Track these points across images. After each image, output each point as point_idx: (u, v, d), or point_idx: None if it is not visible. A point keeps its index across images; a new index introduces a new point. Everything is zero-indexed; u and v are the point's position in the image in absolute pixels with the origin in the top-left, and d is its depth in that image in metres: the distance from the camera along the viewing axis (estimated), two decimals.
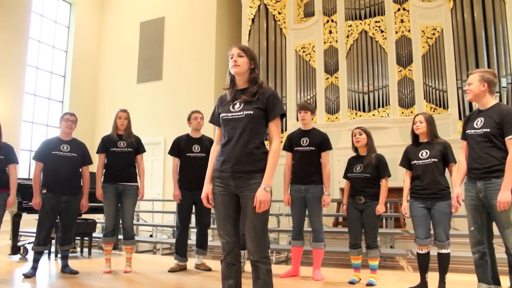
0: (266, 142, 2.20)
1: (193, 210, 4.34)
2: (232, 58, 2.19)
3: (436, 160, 3.24)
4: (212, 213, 4.60)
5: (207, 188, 2.22)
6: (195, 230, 4.43)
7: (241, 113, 2.14)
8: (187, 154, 4.31)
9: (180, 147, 4.36)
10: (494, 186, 2.68)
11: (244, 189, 2.09)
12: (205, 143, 4.35)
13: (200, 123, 4.39)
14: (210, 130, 7.39)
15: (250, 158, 2.10)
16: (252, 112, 2.12)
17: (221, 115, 2.21)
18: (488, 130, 2.74)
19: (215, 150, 2.28)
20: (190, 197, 4.24)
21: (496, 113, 2.75)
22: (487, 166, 2.72)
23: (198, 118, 4.38)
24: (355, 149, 3.80)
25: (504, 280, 2.85)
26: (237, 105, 2.17)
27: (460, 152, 3.00)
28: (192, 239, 4.78)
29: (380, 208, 3.55)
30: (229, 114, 2.17)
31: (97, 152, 4.19)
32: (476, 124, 2.83)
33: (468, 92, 2.85)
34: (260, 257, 2.07)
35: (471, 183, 2.85)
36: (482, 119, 2.80)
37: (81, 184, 4.14)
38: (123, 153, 4.15)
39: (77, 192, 4.04)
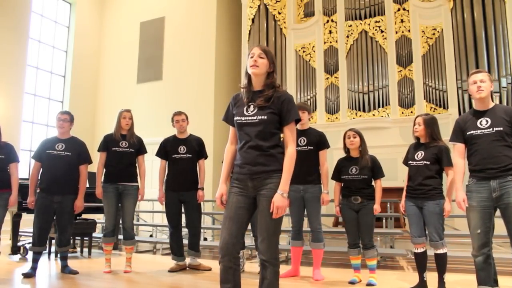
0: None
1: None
2: (252, 57, 2.16)
3: (428, 163, 3.26)
4: (204, 213, 4.60)
5: (222, 188, 2.22)
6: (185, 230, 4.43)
7: (255, 117, 2.13)
8: (173, 156, 4.30)
9: (166, 149, 4.36)
10: (510, 184, 2.64)
11: (261, 188, 2.10)
12: (192, 143, 4.34)
13: (182, 126, 4.36)
14: (199, 129, 7.39)
15: (267, 159, 2.10)
16: (266, 117, 2.11)
17: (235, 118, 2.20)
18: (501, 128, 2.71)
19: (229, 150, 2.28)
20: (176, 198, 4.26)
21: (503, 112, 2.75)
22: (503, 165, 2.67)
23: (180, 121, 4.35)
24: (347, 150, 3.80)
25: (502, 280, 2.85)
26: (251, 108, 2.15)
27: (454, 155, 2.92)
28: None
29: (377, 208, 3.60)
30: (243, 118, 2.16)
31: (98, 150, 4.18)
32: (481, 124, 2.79)
33: (482, 89, 2.78)
34: (270, 257, 2.07)
35: (482, 183, 2.74)
36: (488, 119, 2.77)
37: (77, 184, 4.07)
38: (124, 153, 4.14)
39: (70, 192, 3.96)
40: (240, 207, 2.13)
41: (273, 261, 2.08)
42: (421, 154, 3.32)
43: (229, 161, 2.26)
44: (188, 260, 4.41)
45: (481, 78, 2.80)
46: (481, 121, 2.80)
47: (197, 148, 4.34)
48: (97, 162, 4.16)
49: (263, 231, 2.08)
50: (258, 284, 2.11)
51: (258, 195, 2.11)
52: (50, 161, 3.90)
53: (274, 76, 2.20)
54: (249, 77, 2.21)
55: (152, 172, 8.83)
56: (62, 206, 3.91)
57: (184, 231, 4.41)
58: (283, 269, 4.15)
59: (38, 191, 3.88)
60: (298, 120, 2.18)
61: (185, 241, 4.42)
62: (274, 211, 2.02)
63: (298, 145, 3.93)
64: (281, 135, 2.20)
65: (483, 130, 2.77)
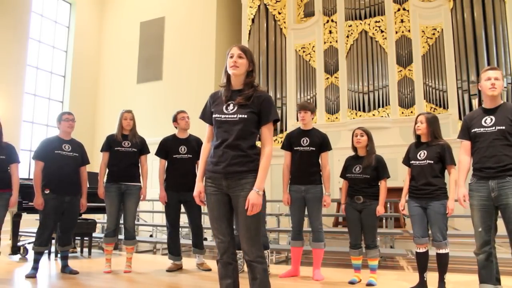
0: (257, 142, 2.20)
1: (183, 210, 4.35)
2: (232, 58, 2.17)
3: (432, 162, 3.25)
4: (204, 213, 4.59)
5: (199, 186, 2.22)
6: (186, 230, 4.43)
7: (235, 116, 2.12)
8: (174, 156, 4.29)
9: (166, 148, 4.34)
10: (509, 185, 2.64)
11: (235, 189, 2.10)
12: (192, 143, 4.33)
13: (188, 123, 4.37)
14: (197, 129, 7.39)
15: (242, 159, 2.10)
16: (245, 116, 2.11)
17: (213, 115, 2.20)
18: (503, 127, 2.70)
19: (206, 148, 2.27)
20: (176, 198, 4.25)
21: (509, 111, 2.74)
22: (502, 164, 2.67)
23: (186, 118, 4.36)
24: (355, 149, 3.79)
25: (502, 280, 2.85)
26: (231, 107, 2.15)
27: (460, 152, 2.93)
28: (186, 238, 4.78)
29: (380, 209, 3.55)
30: (222, 116, 2.15)
31: (101, 150, 4.19)
32: (485, 122, 2.79)
33: (496, 87, 2.77)
34: (255, 257, 2.07)
35: (482, 182, 2.76)
36: (493, 117, 2.77)
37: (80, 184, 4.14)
38: (127, 152, 4.15)
39: (78, 192, 4.04)
40: (221, 205, 2.15)
41: (260, 260, 2.08)
42: (424, 153, 3.30)
43: (206, 160, 2.24)
44: (195, 260, 4.42)
45: (496, 75, 2.78)
46: (486, 119, 2.80)
47: (197, 148, 4.31)
48: (95, 162, 4.17)
49: (245, 231, 2.08)
50: (249, 285, 2.10)
51: (234, 196, 2.11)
52: (59, 161, 3.92)
53: (253, 75, 2.20)
54: (228, 76, 2.21)
55: (152, 172, 8.85)
56: (72, 205, 3.95)
57: (183, 231, 4.41)
58: (283, 269, 4.16)
59: (47, 192, 3.86)
60: (276, 121, 2.19)
61: (184, 241, 4.42)
62: (249, 208, 2.02)
63: (300, 145, 3.94)
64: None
65: (486, 129, 2.77)
